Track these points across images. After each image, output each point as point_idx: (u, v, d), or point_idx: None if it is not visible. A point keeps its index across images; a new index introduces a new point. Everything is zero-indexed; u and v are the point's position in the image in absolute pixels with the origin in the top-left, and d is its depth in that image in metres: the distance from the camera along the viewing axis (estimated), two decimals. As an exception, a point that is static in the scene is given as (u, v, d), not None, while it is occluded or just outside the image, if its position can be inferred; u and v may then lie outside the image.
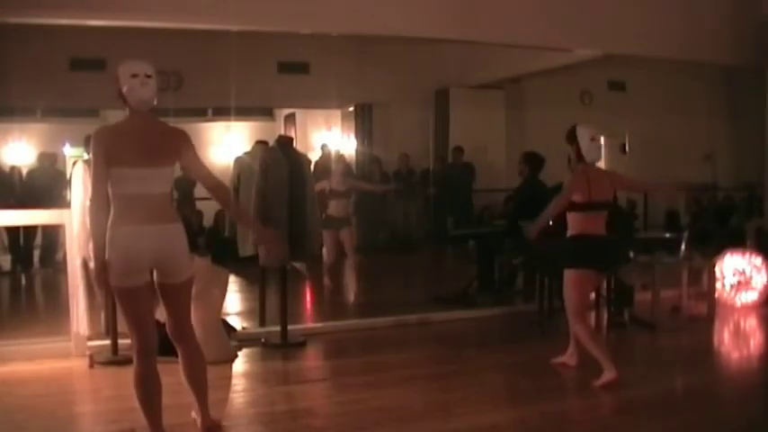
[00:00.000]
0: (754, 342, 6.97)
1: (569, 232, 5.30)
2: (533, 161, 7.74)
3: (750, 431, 4.51)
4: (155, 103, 3.87)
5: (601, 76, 14.04)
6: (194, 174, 3.99)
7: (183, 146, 3.89)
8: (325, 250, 8.57)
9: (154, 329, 3.85)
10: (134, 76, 3.77)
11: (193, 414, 4.24)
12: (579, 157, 5.29)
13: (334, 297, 8.59)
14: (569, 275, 5.27)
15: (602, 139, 5.38)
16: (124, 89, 3.77)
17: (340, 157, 9.71)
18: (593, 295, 6.45)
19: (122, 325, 5.79)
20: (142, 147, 3.74)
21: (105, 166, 3.68)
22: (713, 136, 15.34)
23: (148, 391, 3.81)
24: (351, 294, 8.57)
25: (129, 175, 3.70)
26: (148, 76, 3.80)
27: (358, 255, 8.97)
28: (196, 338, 4.09)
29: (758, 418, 4.71)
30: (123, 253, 3.67)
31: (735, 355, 6.50)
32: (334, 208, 8.72)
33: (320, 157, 11.91)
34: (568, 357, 5.60)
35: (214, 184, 4.07)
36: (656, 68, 12.82)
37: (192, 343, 4.04)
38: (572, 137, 5.32)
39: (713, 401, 4.99)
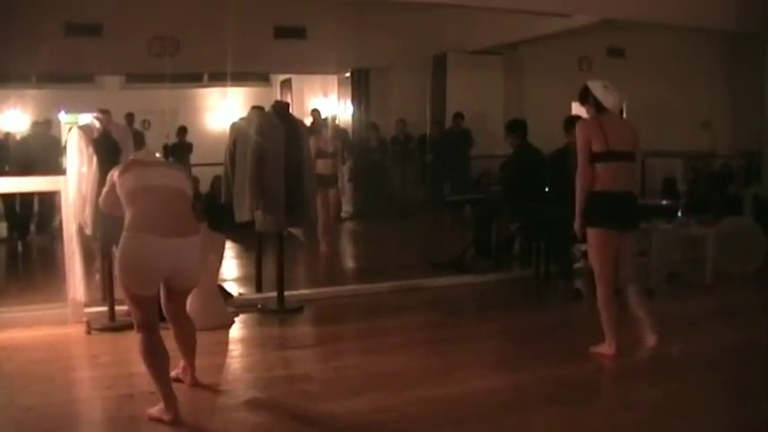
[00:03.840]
0: (752, 308, 6.98)
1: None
2: (520, 128, 7.61)
3: (748, 394, 4.52)
4: None
5: (600, 42, 13.92)
6: None
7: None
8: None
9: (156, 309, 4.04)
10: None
11: (173, 373, 4.30)
12: (598, 108, 4.97)
13: (330, 263, 8.57)
14: (589, 235, 4.98)
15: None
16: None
17: (332, 122, 9.55)
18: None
19: (119, 292, 5.84)
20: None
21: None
22: (712, 103, 15.28)
23: (158, 360, 3.92)
24: (346, 260, 8.53)
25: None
26: None
27: (341, 220, 8.87)
28: (187, 312, 4.34)
29: (756, 382, 4.72)
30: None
31: (732, 320, 6.52)
32: (321, 166, 8.66)
33: (311, 123, 11.80)
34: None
35: None
36: (655, 34, 12.72)
37: (185, 317, 4.30)
38: (585, 93, 5.03)
39: (712, 366, 5.00)
